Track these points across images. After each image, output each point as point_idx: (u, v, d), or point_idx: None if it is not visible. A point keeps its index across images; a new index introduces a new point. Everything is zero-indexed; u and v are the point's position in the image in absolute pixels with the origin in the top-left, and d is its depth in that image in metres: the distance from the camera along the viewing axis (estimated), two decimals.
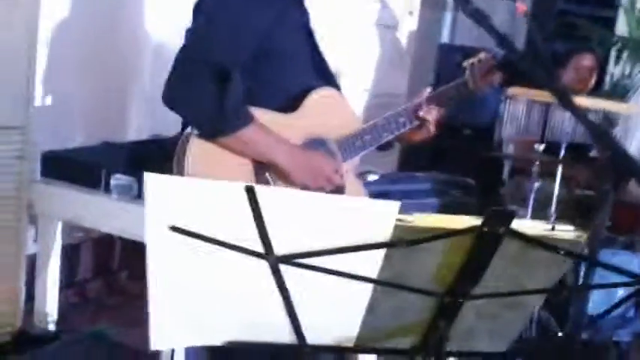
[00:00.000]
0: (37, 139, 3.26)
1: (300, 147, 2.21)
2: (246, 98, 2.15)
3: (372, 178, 3.26)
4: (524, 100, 4.09)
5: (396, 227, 1.27)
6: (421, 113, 2.39)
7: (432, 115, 2.41)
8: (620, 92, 5.21)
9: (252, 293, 1.30)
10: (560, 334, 3.87)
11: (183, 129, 2.20)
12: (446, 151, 5.96)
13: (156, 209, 1.19)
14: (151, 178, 1.16)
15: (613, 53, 5.37)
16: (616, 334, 4.00)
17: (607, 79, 5.47)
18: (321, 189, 2.22)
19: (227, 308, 1.31)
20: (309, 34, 2.36)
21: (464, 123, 6.15)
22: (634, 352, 4.03)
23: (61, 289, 3.95)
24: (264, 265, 1.25)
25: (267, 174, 2.17)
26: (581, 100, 3.94)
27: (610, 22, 5.82)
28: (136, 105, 3.90)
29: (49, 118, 3.45)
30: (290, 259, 1.24)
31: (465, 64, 2.49)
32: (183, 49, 2.10)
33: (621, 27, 5.72)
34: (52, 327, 3.30)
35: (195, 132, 2.09)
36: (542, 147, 4.12)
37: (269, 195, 1.20)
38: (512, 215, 1.23)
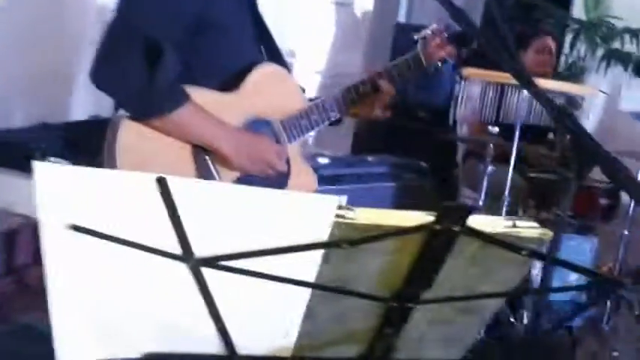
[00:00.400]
0: None
1: (239, 130, 2.01)
2: (183, 76, 1.94)
3: (322, 161, 3.09)
4: (479, 81, 3.92)
5: (336, 225, 1.08)
6: (380, 84, 2.20)
7: (388, 89, 2.22)
8: (575, 74, 5.08)
9: (171, 299, 1.10)
10: (512, 320, 3.74)
11: (116, 109, 1.99)
12: (400, 133, 5.81)
13: (50, 205, 0.98)
14: (40, 169, 0.96)
15: (569, 35, 5.24)
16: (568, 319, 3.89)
17: (562, 60, 5.34)
18: (263, 174, 2.03)
19: (142, 317, 1.10)
20: (252, 7, 2.15)
21: (419, 105, 6.01)
22: (586, 337, 3.93)
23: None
24: (183, 269, 1.06)
25: (206, 158, 1.98)
26: (543, 83, 3.80)
27: (565, 3, 5.70)
28: (82, 83, 3.64)
29: None
30: (213, 262, 1.05)
31: (417, 36, 2.31)
32: (112, 22, 1.88)
33: (577, 9, 5.60)
34: None
35: (127, 114, 1.89)
36: (496, 129, 3.97)
37: (185, 187, 1.00)
38: (468, 211, 1.05)
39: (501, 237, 1.12)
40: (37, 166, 0.96)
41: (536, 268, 3.81)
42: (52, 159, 2.89)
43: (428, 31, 2.28)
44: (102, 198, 0.99)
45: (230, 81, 2.04)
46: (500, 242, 1.11)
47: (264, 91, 2.08)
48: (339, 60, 4.87)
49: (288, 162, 2.12)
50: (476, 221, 1.07)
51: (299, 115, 2.14)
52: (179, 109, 1.87)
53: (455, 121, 5.88)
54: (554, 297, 3.83)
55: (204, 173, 1.96)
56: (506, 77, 3.84)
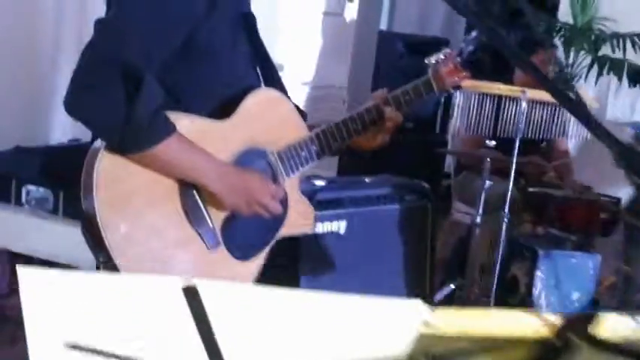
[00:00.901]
0: None
1: (229, 165, 1.76)
2: (171, 102, 1.70)
3: (318, 183, 2.85)
4: (474, 92, 3.70)
5: (421, 338, 0.83)
6: (387, 112, 1.96)
7: (395, 117, 1.98)
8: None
9: None
10: None
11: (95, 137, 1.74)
12: (387, 146, 5.56)
13: (41, 318, 0.74)
14: (26, 275, 0.71)
15: (558, 41, 5.03)
16: None
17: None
18: (255, 215, 1.79)
19: None
20: (248, 25, 1.90)
21: (405, 115, 5.75)
22: None
23: None
24: None
25: (194, 193, 1.72)
26: (536, 93, 3.59)
27: (551, 9, 5.51)
28: (59, 103, 3.36)
29: None
30: None
31: (428, 61, 2.07)
32: (90, 46, 1.63)
33: (561, 14, 5.41)
34: None
35: (100, 147, 1.65)
36: (493, 143, 3.76)
37: (218, 292, 0.75)
38: (592, 319, 0.80)
39: (631, 346, 0.86)
40: (22, 272, 0.71)
41: (537, 288, 3.61)
42: (30, 187, 2.62)
43: (440, 56, 2.05)
44: (105, 307, 0.74)
45: (223, 108, 1.80)
46: (632, 354, 0.85)
47: (259, 119, 1.84)
48: (327, 71, 4.63)
49: (285, 198, 1.87)
50: (600, 327, 0.82)
51: (298, 145, 1.89)
52: (161, 144, 1.63)
53: (442, 131, 5.73)
54: None
55: (191, 211, 1.71)
56: (503, 89, 3.63)
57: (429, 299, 2.94)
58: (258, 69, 1.93)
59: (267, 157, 1.84)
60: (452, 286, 3.89)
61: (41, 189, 2.60)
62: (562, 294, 3.64)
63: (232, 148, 1.78)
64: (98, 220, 1.60)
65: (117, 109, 1.57)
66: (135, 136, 1.60)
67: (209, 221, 1.72)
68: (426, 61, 2.08)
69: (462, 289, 3.85)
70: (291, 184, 1.89)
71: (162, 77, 1.67)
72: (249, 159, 1.81)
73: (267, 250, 1.83)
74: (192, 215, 1.70)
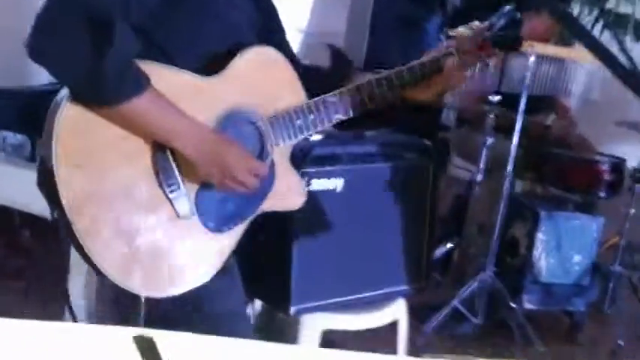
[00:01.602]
0: None
1: (208, 130, 1.53)
2: (150, 54, 1.47)
3: (315, 138, 2.60)
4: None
5: None
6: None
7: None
8: (567, 37, 4.62)
9: None
10: (512, 305, 3.34)
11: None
12: None
13: None
14: None
15: None
16: (570, 303, 3.51)
17: None
18: (229, 189, 1.56)
19: None
20: None
21: (400, 65, 5.48)
22: (588, 322, 3.55)
23: None
24: None
25: (168, 154, 1.49)
26: (545, 48, 3.35)
27: None
28: None
29: None
30: None
31: (452, 33, 1.83)
32: None
33: None
34: None
35: (66, 95, 1.42)
36: (497, 98, 3.52)
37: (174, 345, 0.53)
38: None
39: None
40: None
41: (538, 250, 3.42)
42: (6, 133, 2.37)
43: (467, 30, 1.80)
44: None
45: (212, 64, 1.57)
46: None
47: (251, 79, 1.60)
48: (323, 17, 4.33)
49: (272, 170, 1.65)
50: None
51: (293, 112, 1.65)
52: (130, 100, 1.41)
53: None
54: (557, 280, 3.43)
55: (163, 173, 1.49)
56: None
57: (427, 260, 2.72)
58: (260, 25, 1.68)
59: (255, 122, 1.61)
60: (449, 245, 3.70)
61: (18, 135, 2.36)
62: (563, 256, 3.46)
63: (216, 109, 1.56)
64: (55, 173, 1.39)
65: (81, 58, 1.35)
66: (101, 89, 1.38)
67: (182, 186, 1.51)
68: (450, 33, 1.84)
69: (460, 248, 3.67)
70: (280, 153, 1.66)
71: (146, 25, 1.46)
72: (235, 122, 1.59)
73: (245, 224, 1.62)
74: (164, 178, 1.49)
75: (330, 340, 2.74)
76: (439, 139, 5.15)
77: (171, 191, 1.49)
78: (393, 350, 2.68)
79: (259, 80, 1.61)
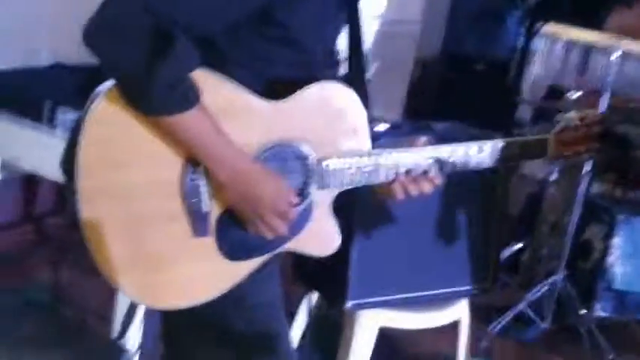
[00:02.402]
0: None
1: (250, 161, 1.38)
2: (219, 64, 1.35)
3: (380, 128, 2.43)
4: (560, 39, 3.21)
5: None
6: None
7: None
8: None
9: None
10: (583, 311, 3.10)
11: None
12: (455, 86, 5.09)
13: None
14: None
15: None
16: None
17: None
18: (253, 225, 1.42)
19: None
20: (351, 6, 1.51)
21: (478, 56, 5.27)
22: None
23: (16, 225, 3.18)
24: None
25: (201, 167, 1.36)
26: (632, 44, 3.09)
27: None
28: None
29: None
30: None
31: (563, 117, 1.64)
32: None
33: None
34: None
35: (111, 85, 1.30)
36: (577, 95, 3.27)
37: None
38: None
39: None
40: None
41: (613, 255, 3.17)
42: (65, 108, 2.28)
43: (578, 117, 1.61)
44: None
45: (279, 89, 1.41)
46: None
47: (314, 114, 1.43)
48: (400, 3, 4.13)
49: (308, 212, 1.48)
50: None
51: (349, 159, 1.48)
52: (178, 115, 1.29)
53: (516, 77, 5.20)
54: (632, 289, 3.18)
55: (189, 186, 1.36)
56: (594, 37, 3.13)
57: (496, 260, 2.53)
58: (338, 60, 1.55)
59: (305, 159, 1.44)
60: (519, 245, 3.48)
61: (77, 112, 2.25)
62: (637, 264, 3.19)
63: (264, 136, 1.41)
64: (77, 155, 1.29)
65: (135, 63, 1.24)
66: (145, 98, 1.26)
67: (206, 205, 1.38)
68: (557, 117, 1.66)
69: (530, 249, 3.44)
70: (323, 198, 1.50)
71: (218, 39, 1.36)
72: (281, 155, 1.43)
73: (263, 258, 1.48)
74: (190, 192, 1.36)
75: (388, 336, 2.58)
76: (514, 134, 4.93)
77: (192, 206, 1.36)
78: (452, 351, 2.51)
79: (323, 118, 1.45)
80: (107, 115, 1.29)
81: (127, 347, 1.98)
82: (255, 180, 1.38)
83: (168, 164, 1.34)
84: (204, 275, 1.42)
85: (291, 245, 1.49)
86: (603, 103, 3.02)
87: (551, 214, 3.46)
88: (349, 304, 2.24)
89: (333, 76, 1.50)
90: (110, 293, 1.95)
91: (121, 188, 1.31)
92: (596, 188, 3.65)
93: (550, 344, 3.11)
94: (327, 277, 2.36)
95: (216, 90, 1.34)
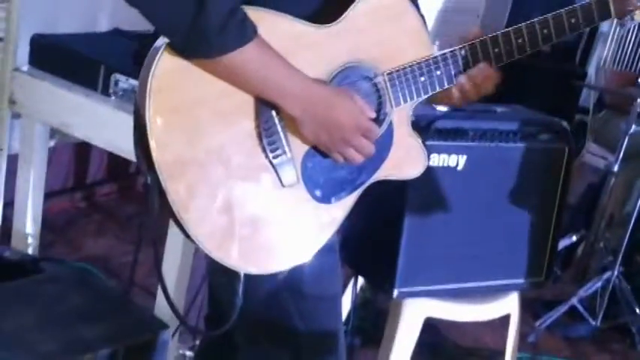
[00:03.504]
0: (28, 18, 2.40)
1: (319, 85, 1.31)
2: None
3: (440, 108, 2.34)
4: (633, 22, 3.04)
5: None
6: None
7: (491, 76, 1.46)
8: None
9: None
10: (637, 310, 2.98)
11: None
12: (518, 68, 4.91)
13: None
14: None
15: None
16: None
17: None
18: (339, 155, 1.34)
19: None
20: None
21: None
22: None
23: (68, 191, 3.19)
24: None
25: (273, 115, 1.29)
26: None
27: None
28: None
29: None
30: None
31: None
32: None
33: None
34: (32, 251, 2.50)
35: (163, 46, 1.23)
36: None
37: None
38: None
39: None
40: None
41: None
42: (119, 76, 2.24)
43: None
44: None
45: (328, 10, 1.35)
46: None
47: (371, 30, 1.37)
48: None
49: (390, 133, 1.41)
50: None
51: (417, 67, 1.40)
52: (234, 52, 1.22)
53: (582, 62, 5.03)
54: None
55: (267, 136, 1.29)
56: None
57: (551, 253, 2.43)
58: None
59: (374, 79, 1.37)
60: (575, 237, 3.36)
61: (131, 80, 2.22)
62: None
63: (331, 63, 1.33)
64: (148, 133, 1.21)
65: (184, 5, 1.17)
66: (203, 39, 1.19)
67: (288, 151, 1.30)
68: None
69: (586, 242, 3.32)
70: (400, 115, 1.42)
71: None
72: (351, 78, 1.36)
73: (356, 194, 1.39)
74: (268, 142, 1.29)
75: (433, 326, 2.51)
76: (576, 121, 4.76)
77: (275, 157, 1.29)
78: (498, 345, 2.43)
79: (381, 31, 1.37)
80: (169, 79, 1.22)
81: (167, 323, 1.96)
82: (331, 103, 1.30)
83: (242, 118, 1.27)
84: (302, 228, 1.35)
85: (381, 173, 1.41)
86: None
87: (610, 206, 3.33)
88: (396, 291, 2.17)
89: None
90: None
91: (200, 157, 1.24)
92: None
93: (600, 343, 3.01)
94: (375, 262, 2.29)
95: (270, 26, 1.27)
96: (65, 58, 2.34)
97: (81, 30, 2.57)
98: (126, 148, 2.14)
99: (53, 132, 2.50)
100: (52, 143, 2.54)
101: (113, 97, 2.24)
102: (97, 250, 2.91)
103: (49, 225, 2.69)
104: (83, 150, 3.18)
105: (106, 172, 3.34)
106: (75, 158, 3.19)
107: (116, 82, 2.24)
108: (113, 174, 3.35)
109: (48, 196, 2.61)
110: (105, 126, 2.24)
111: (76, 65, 2.31)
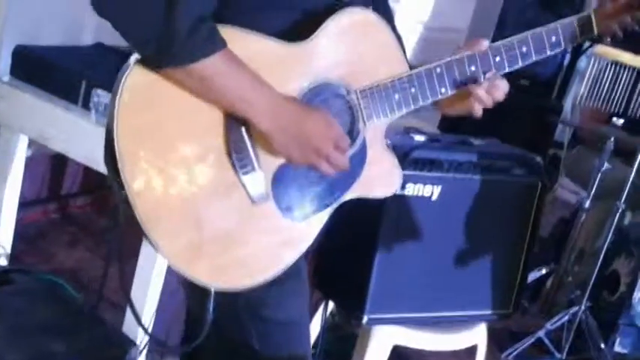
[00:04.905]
0: (11, 29, 2.41)
1: (287, 99, 1.32)
2: (225, 13, 1.29)
3: (418, 138, 2.38)
4: (610, 62, 3.12)
5: None
6: (488, 75, 1.46)
7: (499, 86, 1.48)
8: None
9: None
10: (602, 345, 3.02)
11: None
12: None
13: None
14: None
15: None
16: None
17: None
18: (313, 168, 1.35)
19: None
20: None
21: (521, 70, 5.13)
22: None
23: (42, 202, 3.18)
24: None
25: (242, 130, 1.30)
26: None
27: None
28: None
29: (27, 3, 2.55)
30: None
31: None
32: None
33: None
34: (3, 261, 2.50)
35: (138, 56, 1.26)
36: (620, 121, 3.19)
37: None
38: None
39: None
40: None
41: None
42: (100, 91, 2.25)
43: None
44: None
45: (300, 27, 1.36)
46: None
47: (344, 47, 1.38)
48: (446, 12, 4.07)
49: (362, 150, 1.43)
50: None
51: (390, 84, 1.41)
52: (202, 61, 1.23)
53: (559, 97, 5.11)
54: None
55: (236, 152, 1.30)
56: None
57: (520, 285, 2.47)
58: None
59: (346, 96, 1.39)
60: (544, 270, 3.41)
61: (109, 94, 2.23)
62: None
63: (303, 80, 1.35)
64: (116, 148, 1.23)
65: (154, 11, 1.18)
66: (172, 44, 1.20)
67: (257, 167, 1.31)
68: None
69: (555, 275, 3.37)
70: (374, 132, 1.43)
71: None
72: (323, 96, 1.37)
73: (328, 212, 1.40)
74: (237, 157, 1.30)
75: (404, 354, 2.54)
76: (551, 155, 4.83)
77: (245, 173, 1.29)
78: None
79: (353, 48, 1.39)
80: (139, 93, 1.23)
81: (135, 340, 1.96)
82: (301, 117, 1.31)
83: (211, 133, 1.28)
84: (273, 245, 1.35)
85: (354, 191, 1.42)
86: None
87: (580, 241, 3.39)
88: (366, 317, 2.20)
89: (350, 2, 1.40)
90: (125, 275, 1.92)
91: (169, 172, 1.25)
92: (629, 219, 3.56)
93: None
94: (346, 287, 2.32)
95: (240, 43, 1.27)
96: (47, 70, 2.34)
97: (64, 43, 2.58)
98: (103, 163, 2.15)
99: (30, 142, 2.50)
100: (28, 153, 2.54)
101: (93, 112, 2.25)
102: (68, 263, 2.90)
103: (21, 235, 2.68)
104: (59, 161, 3.17)
105: (81, 185, 3.33)
106: (50, 169, 3.18)
107: (97, 97, 2.25)
108: (88, 186, 3.34)
109: (21, 206, 2.61)
110: (83, 140, 2.24)
111: (58, 78, 2.32)
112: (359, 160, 1.42)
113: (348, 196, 1.42)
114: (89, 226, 3.23)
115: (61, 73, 2.32)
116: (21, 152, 2.45)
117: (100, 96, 2.25)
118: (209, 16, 1.24)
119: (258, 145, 1.31)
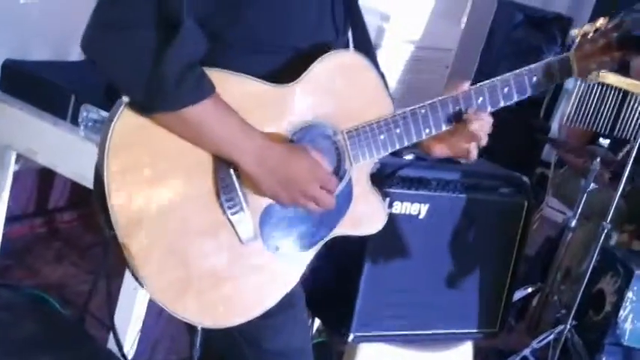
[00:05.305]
0: (0, 44, 2.43)
1: (273, 142, 1.33)
2: (218, 58, 1.31)
3: (407, 157, 2.40)
4: (597, 83, 3.14)
5: None
6: (472, 115, 1.48)
7: (483, 124, 1.50)
8: None
9: None
10: None
11: None
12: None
13: None
14: None
15: None
16: None
17: None
18: (300, 208, 1.37)
19: None
20: None
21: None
22: None
23: (28, 217, 3.17)
24: None
25: (231, 172, 1.32)
26: None
27: None
28: None
29: (17, 18, 2.56)
30: None
31: (575, 32, 1.56)
32: None
33: None
34: None
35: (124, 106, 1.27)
36: (606, 142, 3.22)
37: None
38: None
39: None
40: None
41: (625, 310, 3.11)
42: (89, 106, 2.26)
43: (589, 28, 1.53)
44: None
45: (287, 69, 1.37)
46: None
47: (330, 89, 1.40)
48: (435, 31, 4.10)
49: (349, 190, 1.45)
50: None
51: (375, 125, 1.44)
52: (191, 107, 1.25)
53: (546, 117, 5.15)
54: None
55: (224, 193, 1.31)
56: (633, 84, 3.06)
57: (506, 304, 2.48)
58: (341, 25, 1.47)
59: (333, 137, 1.41)
60: (530, 289, 3.42)
61: (101, 111, 2.24)
62: None
63: (290, 122, 1.37)
64: (106, 189, 1.24)
65: (143, 57, 1.19)
66: (160, 91, 1.21)
67: (245, 208, 1.33)
68: (573, 33, 1.58)
69: (541, 294, 3.38)
70: (360, 172, 1.45)
71: (209, 23, 1.28)
72: (310, 136, 1.39)
73: (315, 249, 1.42)
74: (225, 199, 1.31)
75: None
76: (538, 175, 4.86)
77: (233, 213, 1.31)
78: None
79: (340, 90, 1.41)
80: (128, 137, 1.25)
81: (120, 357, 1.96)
82: (287, 159, 1.32)
83: (200, 175, 1.30)
84: (261, 283, 1.37)
85: (340, 229, 1.44)
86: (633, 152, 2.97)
87: (567, 260, 3.41)
88: (352, 335, 2.21)
89: (337, 45, 1.43)
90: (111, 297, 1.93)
91: (158, 213, 1.27)
92: (615, 239, 3.59)
93: None
94: (333, 305, 2.32)
95: (227, 85, 1.29)
96: (36, 85, 2.35)
97: (54, 58, 2.59)
98: (91, 178, 2.15)
99: (18, 156, 2.50)
100: (16, 167, 2.54)
101: (82, 127, 2.26)
102: (54, 278, 2.89)
103: (6, 249, 2.67)
104: (46, 176, 3.17)
105: (69, 199, 3.33)
106: (38, 183, 3.18)
107: (86, 112, 2.26)
108: (75, 201, 3.33)
109: (8, 220, 2.60)
110: (72, 155, 2.25)
111: (47, 93, 2.33)
112: (345, 198, 1.44)
113: (335, 233, 1.44)
114: (75, 241, 3.22)
115: (50, 88, 2.32)
116: (9, 166, 2.45)
117: (89, 111, 2.26)
118: (198, 61, 1.25)
119: (246, 186, 1.33)
